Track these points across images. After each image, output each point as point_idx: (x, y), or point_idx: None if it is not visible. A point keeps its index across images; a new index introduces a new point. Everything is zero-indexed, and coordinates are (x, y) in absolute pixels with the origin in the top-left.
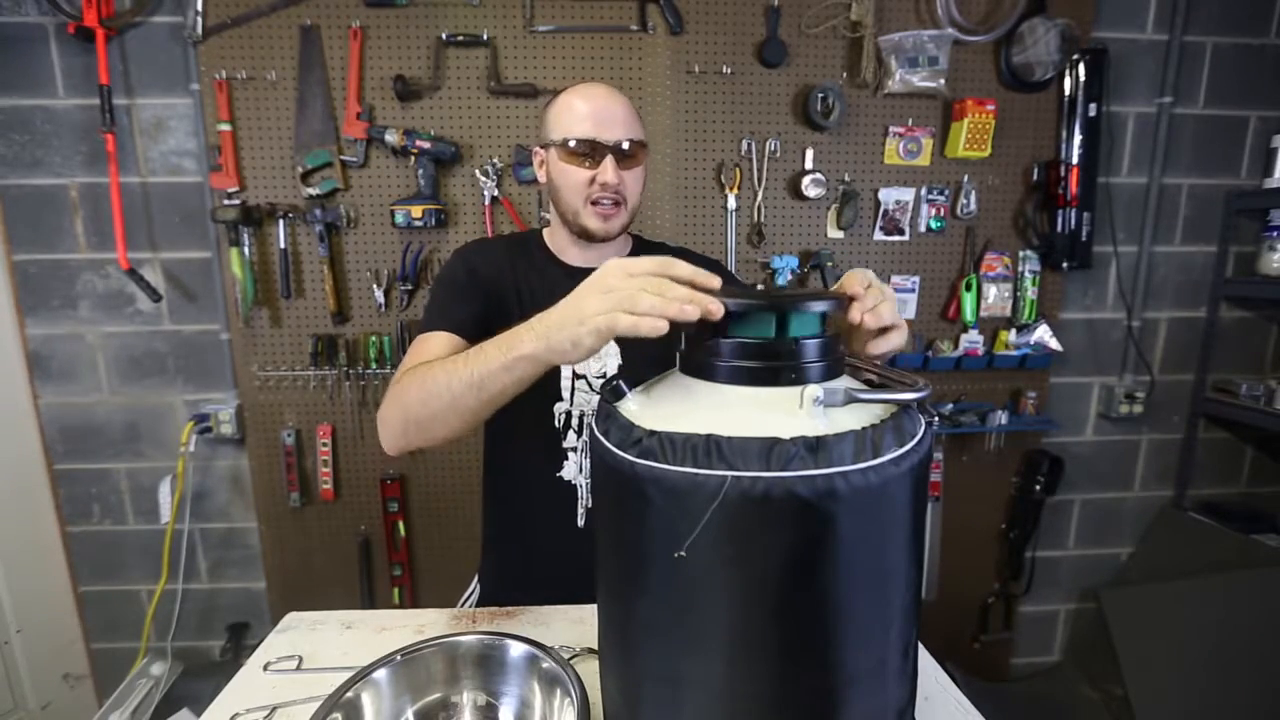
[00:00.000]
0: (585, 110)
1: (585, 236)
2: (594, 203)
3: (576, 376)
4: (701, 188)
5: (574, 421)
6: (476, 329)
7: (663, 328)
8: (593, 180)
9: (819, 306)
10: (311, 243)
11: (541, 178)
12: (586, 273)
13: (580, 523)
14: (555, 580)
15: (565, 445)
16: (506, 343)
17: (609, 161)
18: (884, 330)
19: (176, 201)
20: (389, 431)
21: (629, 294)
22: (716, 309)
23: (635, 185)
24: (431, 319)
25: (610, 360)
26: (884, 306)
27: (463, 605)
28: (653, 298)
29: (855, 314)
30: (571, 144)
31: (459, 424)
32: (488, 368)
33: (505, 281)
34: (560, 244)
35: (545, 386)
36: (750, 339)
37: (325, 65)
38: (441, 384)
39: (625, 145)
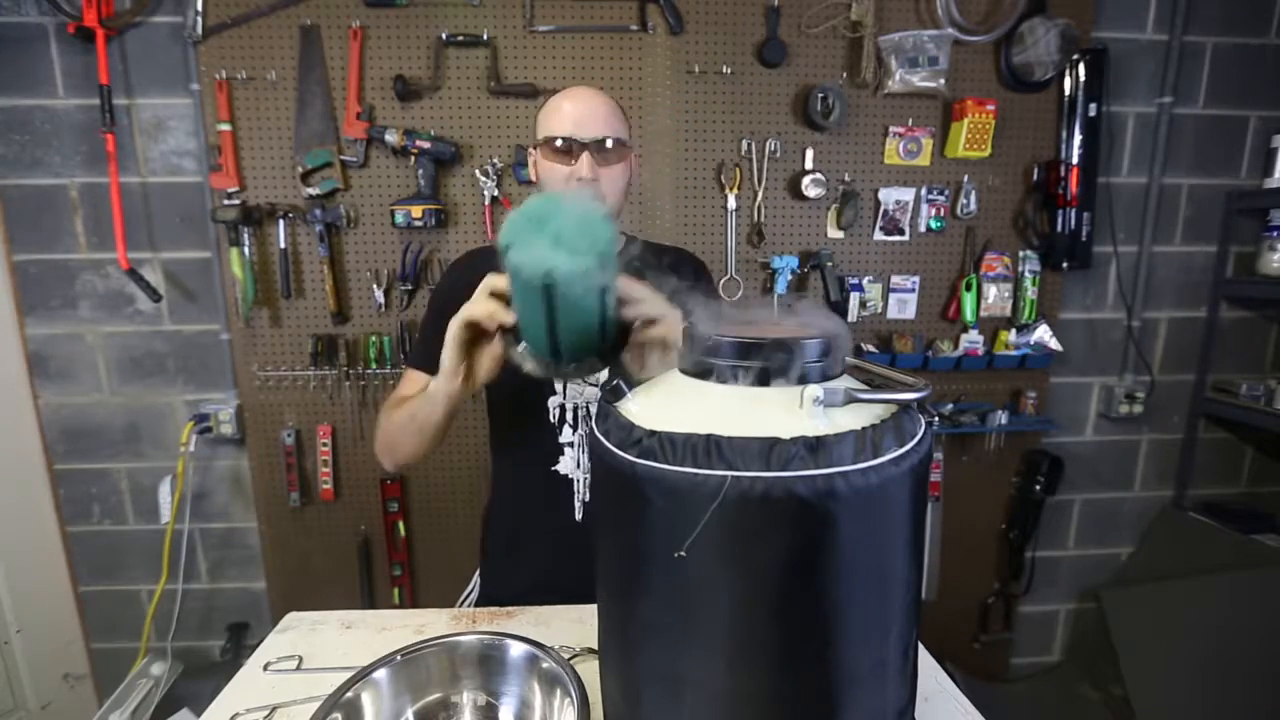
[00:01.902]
0: (567, 110)
1: None
2: None
3: None
4: (701, 188)
5: (569, 415)
6: None
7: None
8: (570, 176)
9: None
10: (311, 243)
11: (534, 177)
12: None
13: (578, 517)
14: (552, 576)
15: (561, 440)
16: (433, 386)
17: (585, 157)
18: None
19: (176, 201)
20: (379, 454)
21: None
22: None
23: (614, 183)
24: (414, 352)
25: None
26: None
27: (462, 604)
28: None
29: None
30: (553, 141)
31: (416, 446)
32: (417, 403)
33: None
34: None
35: (539, 380)
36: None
37: (325, 65)
38: (394, 420)
39: (603, 142)
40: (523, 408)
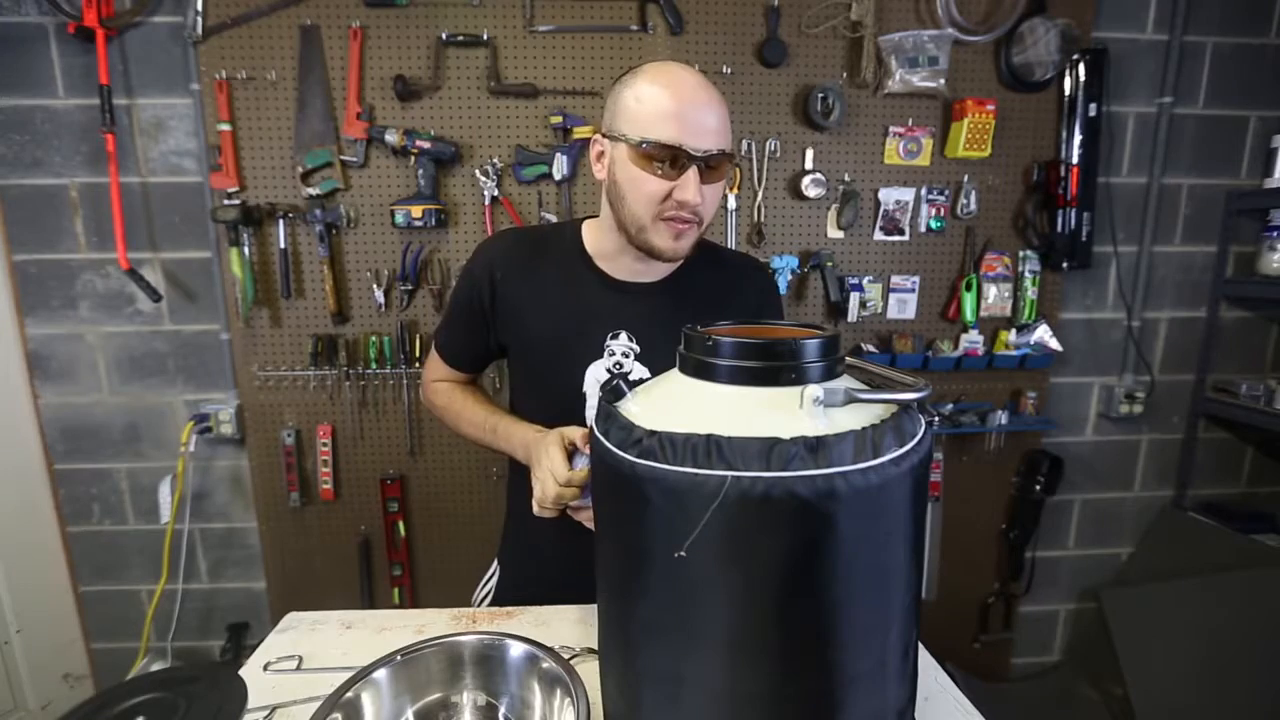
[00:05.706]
0: (672, 107)
1: (649, 253)
2: (666, 218)
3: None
4: None
5: None
6: (470, 363)
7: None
8: (669, 195)
9: None
10: (311, 243)
11: (599, 173)
12: (631, 288)
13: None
14: (570, 582)
15: None
16: (505, 437)
17: (692, 175)
18: None
19: (176, 201)
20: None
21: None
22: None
23: (715, 200)
24: (441, 335)
25: (637, 371)
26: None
27: (483, 587)
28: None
29: None
30: (648, 147)
31: (471, 441)
32: (493, 441)
33: (527, 289)
34: (605, 249)
35: (573, 399)
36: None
37: (325, 65)
38: (462, 426)
39: (715, 155)
40: (559, 419)
